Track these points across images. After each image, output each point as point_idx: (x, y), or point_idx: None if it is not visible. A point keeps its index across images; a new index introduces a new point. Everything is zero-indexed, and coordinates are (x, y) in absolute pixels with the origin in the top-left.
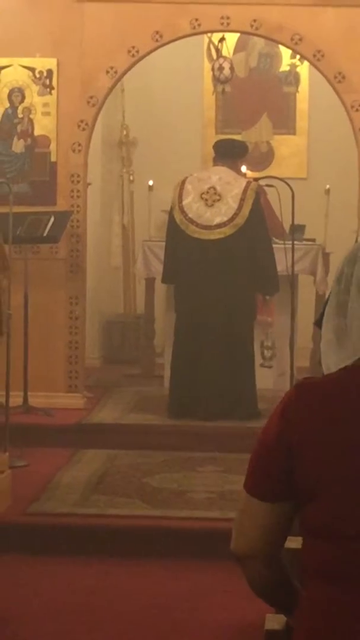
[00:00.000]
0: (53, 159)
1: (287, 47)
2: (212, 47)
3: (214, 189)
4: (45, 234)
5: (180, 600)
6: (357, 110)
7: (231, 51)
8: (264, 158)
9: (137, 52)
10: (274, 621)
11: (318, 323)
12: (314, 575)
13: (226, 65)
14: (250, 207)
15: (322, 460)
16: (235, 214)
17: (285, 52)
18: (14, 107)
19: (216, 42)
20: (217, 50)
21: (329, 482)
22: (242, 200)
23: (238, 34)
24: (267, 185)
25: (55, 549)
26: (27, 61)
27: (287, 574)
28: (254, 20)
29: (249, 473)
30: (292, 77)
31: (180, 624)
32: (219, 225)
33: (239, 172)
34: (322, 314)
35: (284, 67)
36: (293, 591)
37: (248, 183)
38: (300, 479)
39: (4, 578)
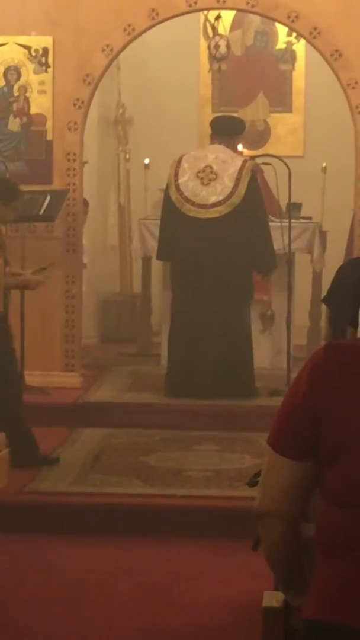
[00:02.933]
0: (49, 137)
1: (284, 24)
2: (208, 24)
3: (210, 167)
4: (41, 213)
5: (178, 579)
6: (353, 87)
7: (227, 29)
8: (261, 136)
9: (133, 30)
10: (272, 598)
11: (325, 299)
12: (329, 546)
13: (222, 43)
14: (246, 186)
15: (347, 423)
16: (232, 193)
17: (281, 30)
18: (9, 85)
19: (212, 20)
20: (214, 28)
21: (351, 447)
22: (238, 179)
23: (234, 12)
24: (264, 164)
25: (52, 527)
26: (22, 39)
27: (301, 546)
28: None
29: (275, 430)
30: (289, 55)
31: (177, 602)
32: (214, 204)
33: (235, 149)
34: (329, 290)
35: (280, 44)
36: (301, 569)
37: (244, 162)
38: (324, 441)
39: (0, 557)
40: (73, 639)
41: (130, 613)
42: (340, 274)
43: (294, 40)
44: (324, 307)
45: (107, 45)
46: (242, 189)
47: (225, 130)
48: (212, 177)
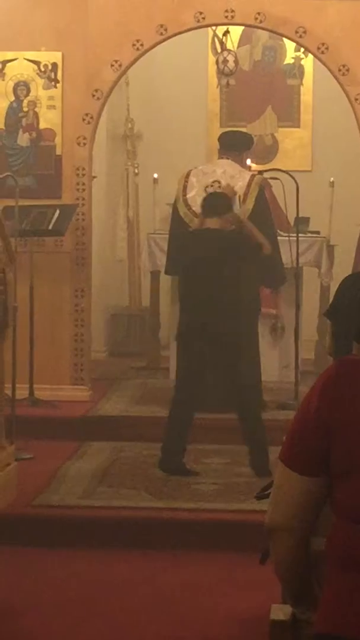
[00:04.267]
0: (58, 152)
1: (292, 40)
2: (216, 40)
3: (219, 182)
4: (50, 227)
5: (186, 592)
6: None
7: (235, 44)
8: (269, 151)
9: (142, 45)
10: (280, 611)
11: (327, 314)
12: (341, 561)
13: (230, 58)
14: (254, 201)
15: (358, 439)
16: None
17: (289, 45)
18: (19, 100)
19: (220, 35)
20: (222, 43)
21: None
22: (246, 194)
23: (242, 27)
24: (272, 178)
25: (61, 541)
26: (32, 55)
27: (310, 560)
28: (258, 13)
29: (287, 446)
30: (297, 70)
31: (185, 615)
32: None
33: (243, 164)
34: (332, 305)
35: (288, 59)
36: (310, 583)
37: (252, 176)
38: (336, 457)
39: (9, 569)
40: None
41: (139, 626)
42: (342, 288)
43: (302, 56)
44: (328, 321)
45: (116, 61)
46: (250, 203)
47: (233, 145)
48: None
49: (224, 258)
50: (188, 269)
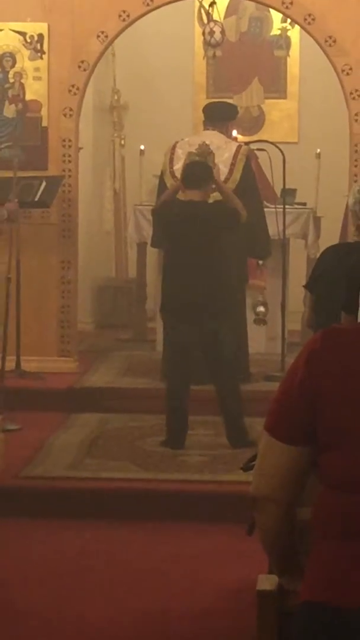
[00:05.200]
0: (44, 123)
1: (278, 10)
2: (202, 11)
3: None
4: (36, 199)
5: (174, 563)
6: (347, 74)
7: (222, 15)
8: (255, 122)
9: (128, 16)
10: (267, 582)
11: (308, 286)
12: (327, 529)
13: (217, 30)
14: (241, 172)
15: (344, 408)
16: (226, 179)
17: (276, 16)
18: (5, 71)
19: (207, 6)
20: (208, 15)
21: (350, 431)
22: (233, 164)
23: None
24: (258, 150)
25: (48, 512)
26: (17, 26)
27: (296, 530)
28: None
29: (271, 415)
30: (283, 41)
31: (174, 586)
32: None
33: (229, 135)
34: (312, 277)
35: (275, 31)
36: (295, 553)
37: (239, 147)
38: (322, 426)
39: None
40: (70, 623)
41: (127, 597)
42: (322, 260)
43: (289, 27)
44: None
45: (102, 32)
46: (237, 174)
47: (218, 116)
48: None
49: (205, 230)
50: (171, 242)
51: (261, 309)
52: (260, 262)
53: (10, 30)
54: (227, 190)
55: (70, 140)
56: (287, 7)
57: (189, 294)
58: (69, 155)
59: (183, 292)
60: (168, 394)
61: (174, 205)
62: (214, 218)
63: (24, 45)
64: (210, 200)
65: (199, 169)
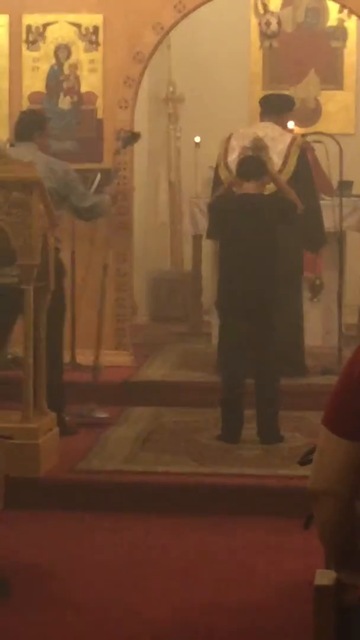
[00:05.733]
0: (99, 115)
1: (335, 1)
2: (259, 2)
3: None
4: (92, 191)
5: (229, 557)
6: None
7: (278, 6)
8: (312, 114)
9: (184, 7)
10: (324, 577)
11: None
12: None
13: (273, 20)
14: (295, 163)
15: None
16: (280, 170)
17: (332, 7)
18: (60, 63)
19: None
20: (264, 5)
21: None
22: (287, 156)
23: None
24: (315, 142)
25: (104, 506)
26: (73, 17)
27: (354, 524)
28: None
29: (330, 409)
30: (340, 32)
31: (227, 580)
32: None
33: (285, 127)
34: None
35: (332, 21)
36: (354, 547)
37: (293, 139)
38: None
39: (51, 534)
40: (124, 615)
41: (182, 591)
42: None
43: (345, 17)
44: None
45: (158, 23)
46: (291, 165)
47: (274, 108)
48: None
49: (262, 221)
50: (227, 234)
51: (317, 282)
52: (314, 253)
53: (66, 22)
54: (282, 181)
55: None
56: None
57: (245, 285)
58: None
59: (240, 284)
60: (223, 388)
61: (230, 198)
62: (270, 209)
63: (79, 37)
64: (266, 192)
65: (253, 161)
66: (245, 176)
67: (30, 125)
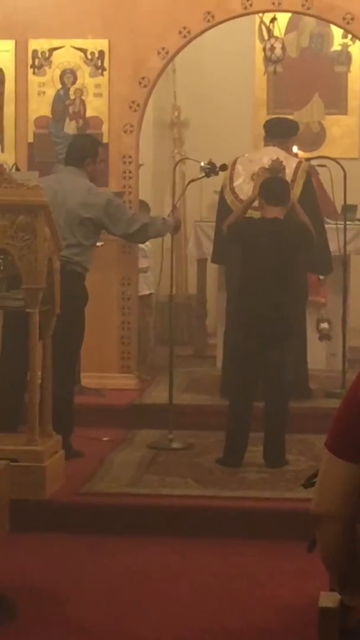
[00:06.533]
0: (105, 140)
1: (339, 26)
2: (263, 27)
3: (264, 168)
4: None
5: (234, 580)
6: None
7: (283, 31)
8: (316, 138)
9: (189, 32)
10: (328, 599)
11: None
12: None
13: (277, 46)
14: (301, 188)
15: None
16: None
17: (336, 32)
18: (65, 88)
19: (267, 22)
20: (269, 31)
21: None
22: (293, 180)
23: (289, 14)
24: (319, 166)
25: (108, 528)
26: (78, 42)
27: (356, 547)
28: (306, 0)
29: (333, 432)
30: (344, 57)
31: (232, 604)
32: None
33: (289, 151)
34: None
35: (336, 46)
36: (357, 569)
37: (299, 163)
38: None
39: (56, 557)
40: (128, 638)
41: (186, 614)
42: None
43: (350, 42)
44: None
45: (163, 48)
46: (297, 190)
47: (279, 132)
48: None
49: (286, 246)
50: (249, 258)
51: (325, 325)
52: (322, 277)
53: (71, 47)
54: (298, 206)
55: (130, 157)
56: (347, 23)
57: (267, 311)
58: (130, 172)
59: (262, 309)
60: (230, 411)
61: (253, 222)
62: (294, 235)
63: (84, 62)
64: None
65: (280, 185)
66: (274, 202)
67: (82, 150)
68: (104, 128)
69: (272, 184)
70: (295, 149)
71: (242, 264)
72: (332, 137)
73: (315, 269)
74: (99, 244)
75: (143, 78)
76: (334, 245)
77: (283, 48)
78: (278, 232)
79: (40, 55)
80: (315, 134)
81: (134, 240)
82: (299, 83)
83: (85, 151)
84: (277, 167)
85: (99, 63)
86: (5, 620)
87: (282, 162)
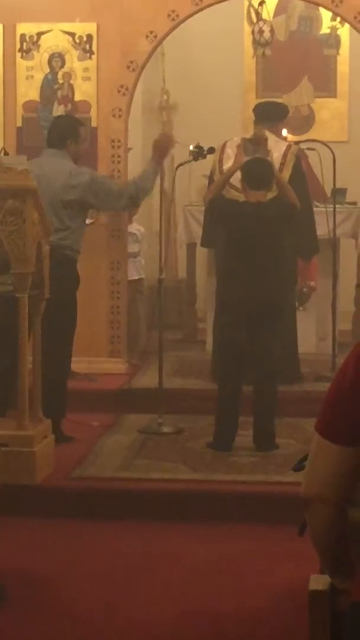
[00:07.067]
0: (93, 124)
1: (328, 9)
2: (252, 10)
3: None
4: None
5: (224, 564)
6: None
7: (271, 14)
8: (305, 122)
9: (177, 16)
10: (319, 582)
11: None
12: None
13: (266, 29)
14: (290, 171)
15: None
16: None
17: (325, 15)
18: (54, 72)
19: (256, 5)
20: (257, 14)
21: None
22: (283, 164)
23: None
24: (308, 149)
25: (99, 513)
26: (67, 26)
27: (347, 530)
28: None
29: (322, 415)
30: (333, 40)
31: (224, 586)
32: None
33: (279, 135)
34: None
35: (325, 29)
36: (347, 553)
37: (288, 147)
38: None
39: (46, 541)
40: (119, 623)
41: (177, 598)
42: None
43: (338, 25)
44: None
45: (151, 32)
46: (286, 173)
47: (268, 116)
48: None
49: (271, 229)
50: (233, 241)
51: (305, 289)
52: (307, 261)
53: (60, 30)
54: (284, 182)
55: (119, 141)
56: (336, 5)
57: (250, 292)
58: (119, 156)
59: (244, 290)
60: (220, 394)
61: (236, 204)
62: (278, 216)
63: (73, 45)
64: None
65: (263, 169)
66: (256, 186)
67: (63, 132)
68: (93, 112)
69: (253, 168)
70: (284, 132)
71: (226, 246)
72: (321, 120)
73: (301, 253)
74: (88, 221)
75: (132, 62)
76: (323, 229)
77: (272, 31)
78: (260, 215)
79: (28, 39)
80: (304, 117)
81: (129, 209)
82: (287, 66)
83: (66, 132)
84: (259, 136)
85: (87, 47)
86: None
87: (265, 131)
